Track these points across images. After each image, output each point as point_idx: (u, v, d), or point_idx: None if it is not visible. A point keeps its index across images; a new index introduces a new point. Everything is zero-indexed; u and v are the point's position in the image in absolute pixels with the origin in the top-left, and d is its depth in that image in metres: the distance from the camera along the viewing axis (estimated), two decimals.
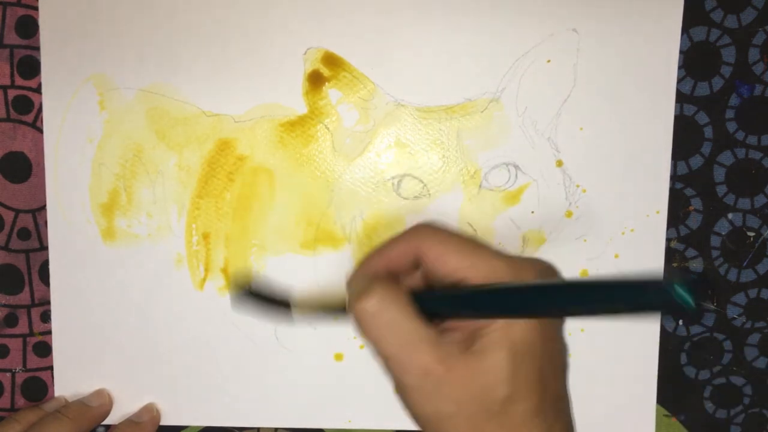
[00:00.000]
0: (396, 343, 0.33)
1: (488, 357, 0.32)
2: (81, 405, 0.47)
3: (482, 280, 0.33)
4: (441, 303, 0.34)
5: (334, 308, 0.41)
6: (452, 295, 0.34)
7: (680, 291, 0.26)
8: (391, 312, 0.33)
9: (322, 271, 0.47)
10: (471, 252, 0.34)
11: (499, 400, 0.32)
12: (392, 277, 0.36)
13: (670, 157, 0.47)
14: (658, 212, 0.47)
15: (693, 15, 0.46)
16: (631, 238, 0.47)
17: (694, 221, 0.48)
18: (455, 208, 0.47)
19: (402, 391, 0.34)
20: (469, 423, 0.33)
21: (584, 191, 0.47)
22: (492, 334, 0.32)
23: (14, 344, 0.49)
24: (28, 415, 0.46)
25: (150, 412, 0.49)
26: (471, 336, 0.33)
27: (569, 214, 0.47)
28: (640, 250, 0.47)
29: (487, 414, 0.32)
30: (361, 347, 0.48)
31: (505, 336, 0.32)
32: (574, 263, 0.47)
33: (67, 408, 0.47)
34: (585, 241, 0.47)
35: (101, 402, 0.48)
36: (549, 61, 0.46)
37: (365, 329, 0.34)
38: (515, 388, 0.32)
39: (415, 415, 0.35)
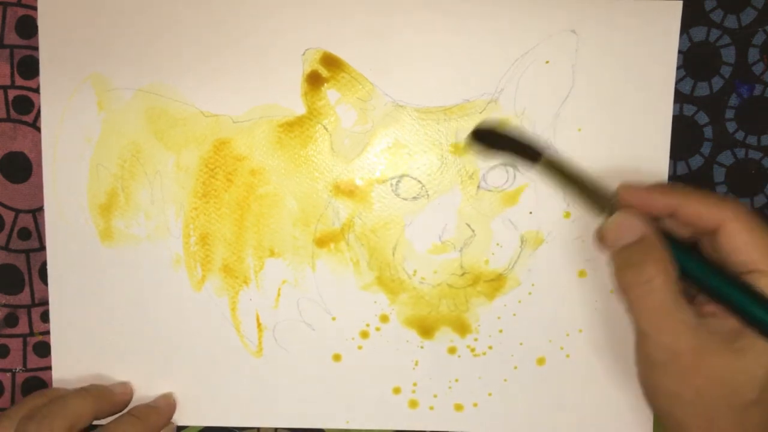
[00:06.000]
0: (656, 323, 0.33)
1: (749, 359, 0.32)
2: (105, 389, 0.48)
3: None
4: (717, 287, 0.34)
5: (582, 188, 0.40)
6: (735, 289, 0.33)
7: None
8: (659, 295, 0.33)
9: (321, 272, 0.47)
10: None
11: (745, 402, 0.32)
12: (664, 246, 0.34)
13: (668, 157, 0.47)
14: None
15: (693, 15, 0.46)
16: None
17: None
18: (453, 209, 0.47)
19: (644, 360, 0.35)
20: (705, 413, 0.33)
21: None
22: (759, 341, 0.32)
23: (14, 344, 0.49)
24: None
25: (167, 398, 0.49)
26: (736, 333, 0.33)
27: (567, 215, 0.47)
28: None
29: (727, 410, 0.33)
30: (360, 348, 0.48)
31: None
32: (572, 264, 0.47)
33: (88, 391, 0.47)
34: (583, 241, 0.47)
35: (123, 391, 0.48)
36: (547, 62, 0.46)
37: (627, 299, 0.34)
38: (765, 395, 0.32)
39: (648, 386, 0.35)
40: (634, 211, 0.36)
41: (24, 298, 0.49)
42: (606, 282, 0.48)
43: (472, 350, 0.48)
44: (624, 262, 0.34)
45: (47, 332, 0.49)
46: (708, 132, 0.47)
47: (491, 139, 0.44)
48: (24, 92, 0.47)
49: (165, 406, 0.48)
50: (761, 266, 0.33)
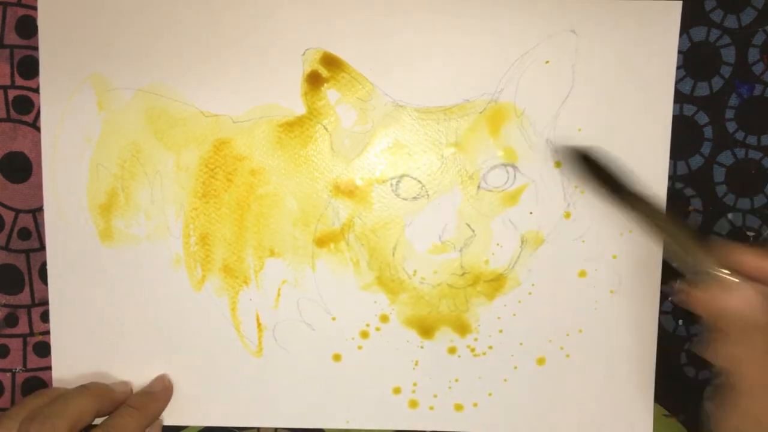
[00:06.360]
0: (753, 363, 0.35)
1: None
2: (105, 387, 0.47)
3: None
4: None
5: (677, 241, 0.40)
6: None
7: None
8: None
9: (320, 272, 0.47)
10: None
11: None
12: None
13: (668, 157, 0.47)
14: None
15: (693, 15, 0.46)
16: (629, 239, 0.47)
17: (694, 221, 0.48)
18: (454, 209, 0.47)
19: (738, 413, 0.36)
20: None
21: (582, 192, 0.47)
22: None
23: (14, 344, 0.49)
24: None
25: (162, 381, 0.49)
26: None
27: (567, 215, 0.47)
28: (639, 251, 0.47)
29: None
30: (360, 348, 0.48)
31: None
32: (572, 264, 0.47)
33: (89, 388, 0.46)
34: (583, 242, 0.47)
35: (124, 389, 0.48)
36: (548, 62, 0.46)
37: (735, 368, 0.36)
38: None
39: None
40: (745, 282, 0.37)
41: (24, 298, 0.49)
42: (606, 282, 0.48)
43: (472, 350, 0.48)
44: (738, 336, 0.35)
45: (47, 332, 0.49)
46: (708, 132, 0.47)
47: (587, 165, 0.45)
48: (24, 92, 0.47)
49: (162, 390, 0.48)
50: None
